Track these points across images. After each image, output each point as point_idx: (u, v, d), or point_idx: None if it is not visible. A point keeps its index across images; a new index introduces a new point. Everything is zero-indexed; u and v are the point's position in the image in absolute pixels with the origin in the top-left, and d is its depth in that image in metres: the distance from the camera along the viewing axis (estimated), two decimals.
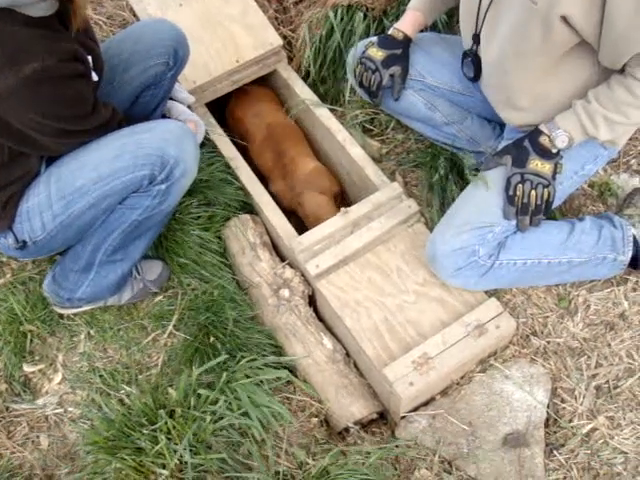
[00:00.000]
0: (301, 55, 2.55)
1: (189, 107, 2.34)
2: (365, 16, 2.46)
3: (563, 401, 1.98)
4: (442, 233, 2.01)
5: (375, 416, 2.07)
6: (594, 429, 1.93)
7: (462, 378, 2.03)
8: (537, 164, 1.95)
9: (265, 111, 2.60)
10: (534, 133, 1.96)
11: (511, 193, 1.96)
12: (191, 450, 1.80)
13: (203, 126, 2.29)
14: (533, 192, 1.95)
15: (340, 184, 2.54)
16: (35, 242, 1.91)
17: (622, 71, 1.80)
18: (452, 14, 2.48)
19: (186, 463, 1.80)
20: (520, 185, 1.95)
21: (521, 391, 1.97)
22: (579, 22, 1.70)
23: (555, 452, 1.91)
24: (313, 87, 2.57)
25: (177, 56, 2.15)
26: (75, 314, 2.14)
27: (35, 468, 1.89)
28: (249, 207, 2.37)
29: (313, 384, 2.06)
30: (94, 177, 1.82)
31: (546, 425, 1.95)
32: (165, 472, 1.80)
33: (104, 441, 1.79)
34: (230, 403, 1.84)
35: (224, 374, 1.89)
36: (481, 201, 2.02)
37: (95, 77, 1.82)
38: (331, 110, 2.46)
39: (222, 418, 1.84)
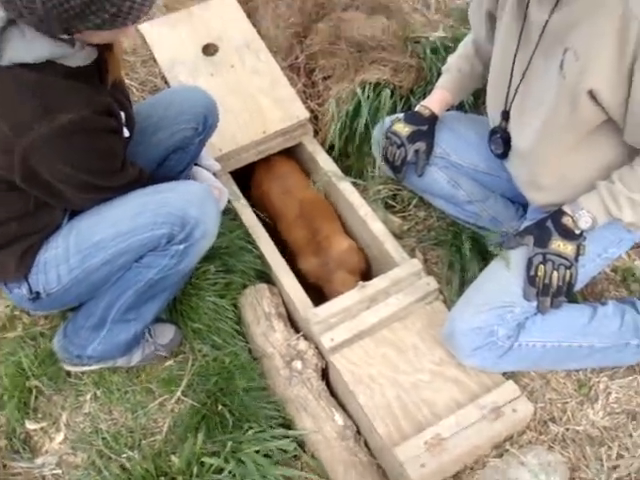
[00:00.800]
0: (327, 129, 2.58)
1: (214, 174, 2.36)
2: (392, 93, 2.49)
3: None
4: (461, 311, 1.97)
5: None
6: None
7: (476, 463, 1.95)
8: (559, 245, 1.92)
9: (295, 187, 2.60)
10: (557, 213, 1.94)
11: (532, 273, 1.92)
12: None
13: (227, 194, 2.30)
14: (555, 273, 1.91)
15: (367, 260, 2.53)
16: (49, 294, 1.90)
17: None
18: (478, 95, 2.51)
19: None
20: (542, 265, 1.92)
21: None
22: (606, 98, 1.71)
23: None
24: (338, 161, 2.58)
25: (206, 123, 2.18)
26: (83, 372, 2.10)
27: None
28: (267, 277, 2.36)
29: (322, 460, 1.99)
30: (112, 233, 1.82)
31: None
32: None
33: None
34: (235, 474, 1.78)
35: (229, 443, 1.84)
36: (502, 280, 1.99)
37: (126, 133, 1.84)
38: (354, 184, 2.47)
39: None
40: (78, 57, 1.65)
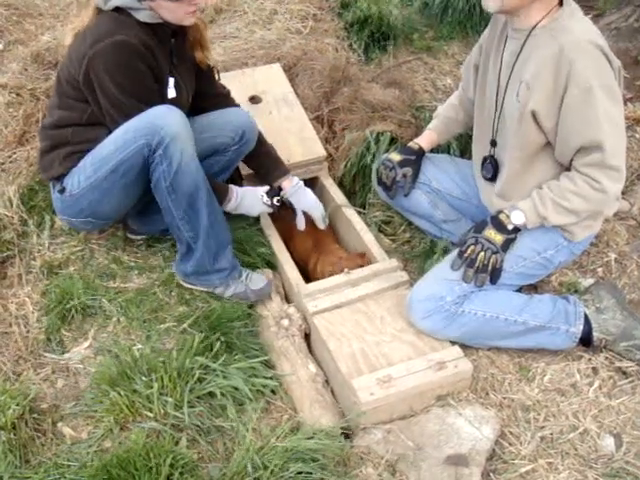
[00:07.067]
0: (340, 167, 3.16)
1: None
2: (394, 140, 3.07)
3: (510, 444, 2.20)
4: (418, 285, 2.44)
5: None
6: (534, 470, 2.13)
7: (421, 410, 2.29)
8: (491, 233, 2.37)
9: None
10: (497, 212, 2.42)
11: (463, 249, 2.38)
12: (176, 405, 2.15)
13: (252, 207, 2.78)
14: (482, 253, 2.35)
15: None
16: (71, 195, 2.49)
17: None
18: (464, 150, 3.08)
19: (167, 415, 2.14)
20: (472, 245, 2.37)
21: (471, 426, 2.21)
22: (543, 119, 2.23)
23: (492, 475, 2.11)
24: (345, 194, 3.12)
25: (243, 136, 2.74)
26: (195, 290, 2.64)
27: (47, 398, 2.24)
28: (274, 268, 2.84)
29: (293, 398, 2.36)
30: (113, 149, 2.38)
31: (490, 459, 2.16)
32: (150, 415, 2.13)
33: (108, 373, 2.17)
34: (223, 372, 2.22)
35: (221, 359, 2.28)
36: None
37: (171, 94, 2.48)
38: (357, 212, 3.01)
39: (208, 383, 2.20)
40: (144, 14, 2.32)
